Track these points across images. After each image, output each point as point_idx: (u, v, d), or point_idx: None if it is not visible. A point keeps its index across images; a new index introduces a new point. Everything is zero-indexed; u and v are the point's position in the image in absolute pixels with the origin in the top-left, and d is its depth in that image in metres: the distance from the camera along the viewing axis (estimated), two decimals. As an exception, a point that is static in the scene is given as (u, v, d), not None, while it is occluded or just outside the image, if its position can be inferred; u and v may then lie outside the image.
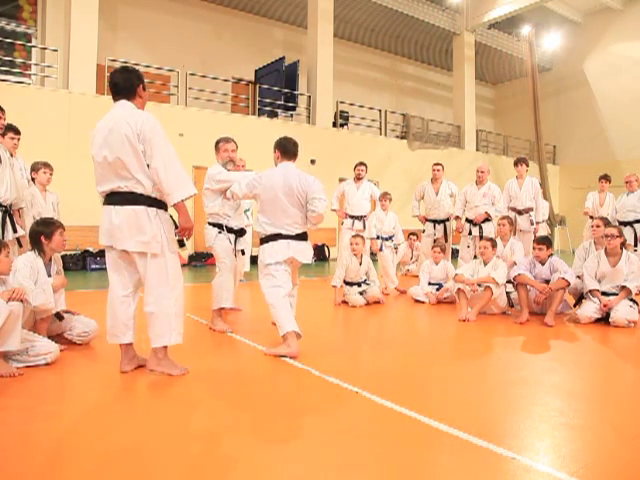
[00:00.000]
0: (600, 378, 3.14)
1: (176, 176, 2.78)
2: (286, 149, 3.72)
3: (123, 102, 2.91)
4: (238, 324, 4.51)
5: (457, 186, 7.15)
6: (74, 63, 9.76)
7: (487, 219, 6.57)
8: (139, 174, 2.76)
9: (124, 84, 2.91)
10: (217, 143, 4.37)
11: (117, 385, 2.84)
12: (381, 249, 6.65)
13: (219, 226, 4.24)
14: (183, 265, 10.44)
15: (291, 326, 3.42)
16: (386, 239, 6.74)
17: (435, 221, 7.02)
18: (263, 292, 3.60)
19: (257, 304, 6.01)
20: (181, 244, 3.00)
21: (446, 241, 6.92)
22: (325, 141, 12.76)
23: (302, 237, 3.69)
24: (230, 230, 4.28)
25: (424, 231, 7.22)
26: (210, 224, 4.27)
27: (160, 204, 2.86)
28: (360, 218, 6.89)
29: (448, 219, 7.00)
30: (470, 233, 6.65)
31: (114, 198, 2.83)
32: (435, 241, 6.71)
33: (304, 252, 3.69)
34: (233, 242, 4.30)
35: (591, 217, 7.82)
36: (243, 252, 4.66)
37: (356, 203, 6.93)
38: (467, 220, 6.71)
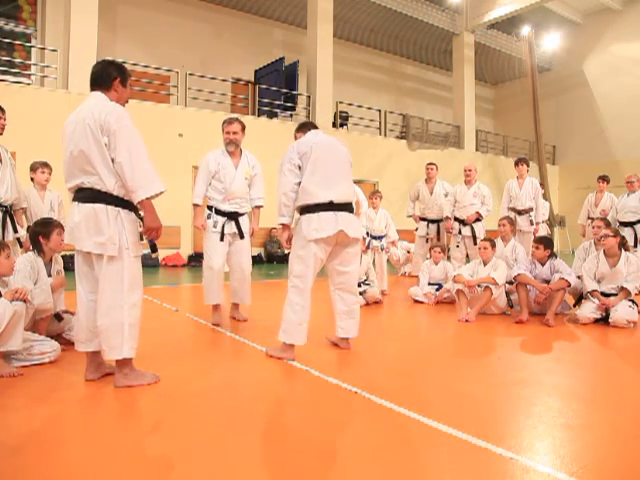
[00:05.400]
0: (600, 378, 3.14)
1: (142, 172, 2.56)
2: (304, 124, 3.61)
3: (96, 93, 2.72)
4: (238, 324, 4.50)
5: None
6: (73, 63, 9.74)
7: (478, 219, 6.60)
8: (103, 170, 2.57)
9: (100, 74, 2.74)
10: (222, 124, 4.39)
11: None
12: (368, 247, 6.56)
13: (210, 208, 4.30)
14: (183, 265, 10.43)
15: (297, 340, 3.30)
16: (375, 238, 6.69)
17: (429, 220, 7.03)
18: (289, 279, 3.38)
19: (257, 304, 5.99)
20: (153, 249, 2.75)
21: (439, 240, 6.93)
22: (325, 141, 12.74)
23: (349, 208, 3.31)
24: (219, 212, 4.28)
25: (417, 229, 7.22)
26: (207, 207, 4.35)
27: (125, 203, 2.65)
28: None
29: (442, 219, 7.03)
30: (460, 232, 6.68)
31: (78, 194, 2.67)
32: (428, 240, 6.70)
33: (354, 224, 3.30)
34: (220, 226, 4.24)
35: (590, 219, 7.80)
36: (242, 236, 4.33)
37: None
38: (456, 219, 6.74)
